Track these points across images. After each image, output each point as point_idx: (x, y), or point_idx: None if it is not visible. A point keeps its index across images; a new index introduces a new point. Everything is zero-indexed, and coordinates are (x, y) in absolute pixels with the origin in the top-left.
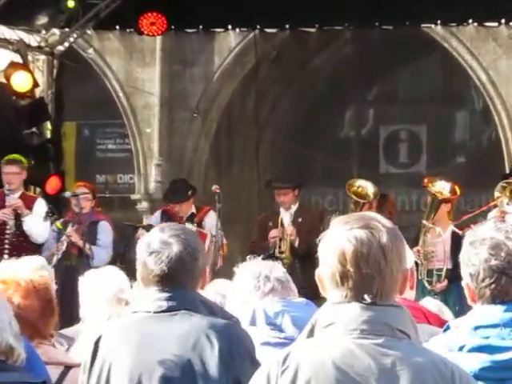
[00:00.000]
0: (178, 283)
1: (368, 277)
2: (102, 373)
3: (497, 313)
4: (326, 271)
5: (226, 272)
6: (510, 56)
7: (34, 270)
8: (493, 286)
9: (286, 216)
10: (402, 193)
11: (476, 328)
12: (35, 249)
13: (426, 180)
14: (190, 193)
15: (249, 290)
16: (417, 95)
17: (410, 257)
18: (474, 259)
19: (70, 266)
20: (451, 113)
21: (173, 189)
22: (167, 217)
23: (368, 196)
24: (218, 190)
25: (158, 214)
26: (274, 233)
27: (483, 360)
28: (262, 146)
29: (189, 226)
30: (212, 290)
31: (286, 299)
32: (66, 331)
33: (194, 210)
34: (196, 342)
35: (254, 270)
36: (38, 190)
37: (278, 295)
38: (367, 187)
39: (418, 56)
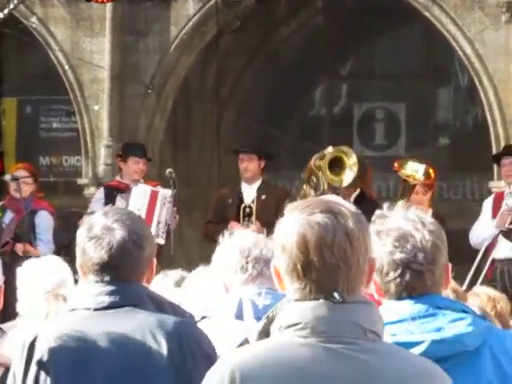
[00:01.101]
0: (121, 274)
1: (333, 267)
2: (39, 379)
3: (404, 308)
4: (285, 262)
5: (180, 261)
6: (497, 27)
7: None
8: (397, 280)
9: (247, 192)
10: (377, 178)
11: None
12: None
13: (396, 164)
14: (147, 155)
15: (234, 271)
16: (395, 70)
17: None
18: (379, 251)
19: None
20: (433, 89)
21: (132, 144)
22: (111, 191)
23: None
24: (172, 175)
25: (101, 191)
26: (235, 226)
27: None
28: (223, 125)
29: (141, 185)
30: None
31: (273, 291)
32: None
33: (142, 181)
34: (142, 342)
35: (242, 246)
36: None
37: (265, 282)
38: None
39: (397, 27)
